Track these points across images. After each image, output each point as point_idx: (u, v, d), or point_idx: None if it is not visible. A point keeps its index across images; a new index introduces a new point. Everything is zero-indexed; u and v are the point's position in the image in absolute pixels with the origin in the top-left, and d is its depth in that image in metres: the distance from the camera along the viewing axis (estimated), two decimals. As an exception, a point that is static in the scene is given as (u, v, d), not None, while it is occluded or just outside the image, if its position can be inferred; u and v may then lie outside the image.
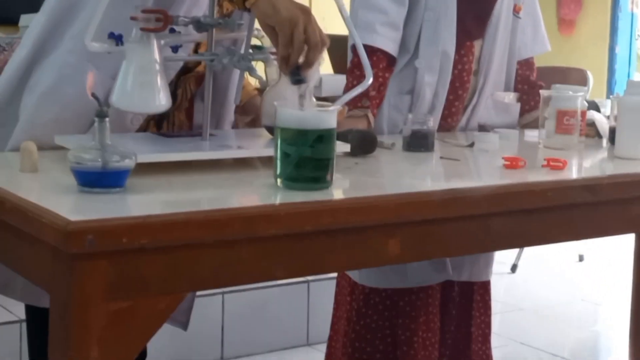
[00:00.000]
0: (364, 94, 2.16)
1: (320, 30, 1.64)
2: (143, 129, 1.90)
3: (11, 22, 4.36)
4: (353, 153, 1.84)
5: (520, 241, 2.04)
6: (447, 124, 2.36)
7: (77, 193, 1.40)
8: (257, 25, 1.80)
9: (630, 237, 2.87)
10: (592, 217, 1.82)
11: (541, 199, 1.68)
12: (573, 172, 1.97)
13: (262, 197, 1.53)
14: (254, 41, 1.86)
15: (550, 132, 2.15)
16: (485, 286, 2.49)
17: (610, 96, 2.41)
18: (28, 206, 1.31)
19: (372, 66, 2.21)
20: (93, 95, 1.45)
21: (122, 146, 1.43)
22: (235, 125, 2.08)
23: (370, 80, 1.75)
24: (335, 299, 2.47)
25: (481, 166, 2.02)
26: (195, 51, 1.91)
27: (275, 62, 1.77)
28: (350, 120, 2.19)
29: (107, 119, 1.41)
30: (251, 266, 1.39)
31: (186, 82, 1.96)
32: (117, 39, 1.67)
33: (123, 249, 1.25)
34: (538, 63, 2.63)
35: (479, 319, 2.47)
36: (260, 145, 1.84)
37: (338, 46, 2.59)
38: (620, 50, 7.26)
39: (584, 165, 2.09)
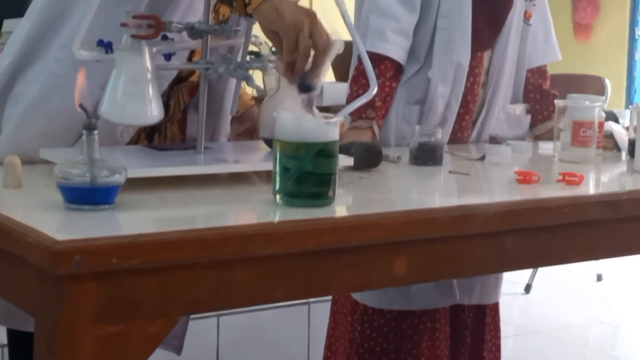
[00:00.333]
0: (369, 104, 2.17)
1: (327, 34, 1.64)
2: (134, 141, 1.91)
3: (-7, 27, 4.36)
4: (357, 167, 1.84)
5: (534, 261, 2.03)
6: (457, 139, 2.37)
7: (64, 210, 1.40)
8: (255, 31, 1.81)
9: (652, 256, 2.87)
10: (611, 234, 1.82)
11: (556, 216, 1.68)
12: (590, 187, 1.97)
13: (260, 214, 1.53)
14: (252, 48, 1.86)
15: (566, 144, 2.16)
16: (496, 307, 2.50)
17: (630, 106, 2.42)
18: (12, 224, 1.31)
19: (379, 75, 2.23)
20: (81, 106, 1.45)
21: (111, 160, 1.43)
22: (230, 136, 2.09)
23: (375, 90, 1.76)
24: (333, 317, 2.46)
25: (493, 181, 2.02)
26: (190, 59, 1.91)
27: (274, 71, 1.78)
28: (354, 131, 2.20)
29: (95, 132, 1.41)
30: (249, 288, 1.39)
31: (179, 92, 1.96)
32: (107, 46, 1.67)
33: (113, 269, 1.25)
34: (552, 70, 2.63)
35: (490, 342, 2.48)
36: (258, 158, 1.85)
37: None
38: (640, 56, 7.28)
39: (601, 179, 2.10)
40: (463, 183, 1.90)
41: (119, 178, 1.41)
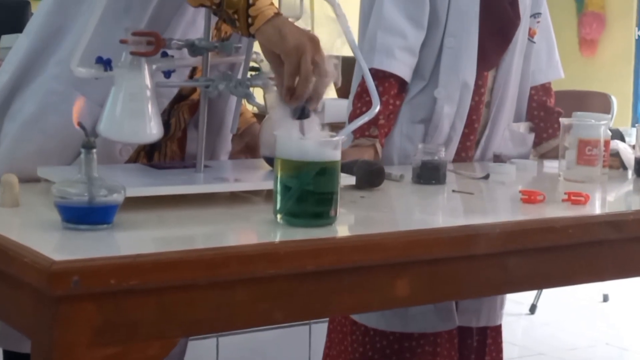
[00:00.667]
0: (372, 122, 2.17)
1: (328, 61, 1.63)
2: (133, 160, 1.91)
3: (-9, 42, 4.38)
4: (359, 186, 1.85)
5: (539, 282, 2.04)
6: (460, 159, 2.37)
7: (62, 230, 1.40)
8: (255, 48, 1.81)
9: (659, 277, 2.87)
10: (617, 255, 1.82)
11: (562, 236, 1.69)
12: (596, 207, 1.97)
13: (261, 234, 1.53)
14: (252, 65, 1.87)
15: (571, 163, 2.16)
16: (498, 328, 2.49)
17: (636, 124, 2.42)
18: (8, 244, 1.32)
19: (383, 92, 2.23)
20: (79, 124, 1.45)
21: (110, 179, 1.43)
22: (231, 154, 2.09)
23: (378, 108, 1.76)
24: (329, 337, 2.45)
25: (497, 200, 2.03)
26: (192, 77, 1.92)
27: (275, 88, 1.78)
28: (356, 150, 2.20)
29: (94, 150, 1.41)
30: (249, 309, 1.39)
31: (180, 110, 1.96)
32: (106, 63, 1.67)
33: (111, 290, 1.25)
34: (557, 86, 2.64)
35: (493, 364, 2.48)
36: (258, 177, 1.85)
37: (342, 69, 2.62)
38: (647, 72, 7.29)
39: (607, 199, 2.10)
40: (467, 202, 1.91)
41: (117, 197, 1.41)
